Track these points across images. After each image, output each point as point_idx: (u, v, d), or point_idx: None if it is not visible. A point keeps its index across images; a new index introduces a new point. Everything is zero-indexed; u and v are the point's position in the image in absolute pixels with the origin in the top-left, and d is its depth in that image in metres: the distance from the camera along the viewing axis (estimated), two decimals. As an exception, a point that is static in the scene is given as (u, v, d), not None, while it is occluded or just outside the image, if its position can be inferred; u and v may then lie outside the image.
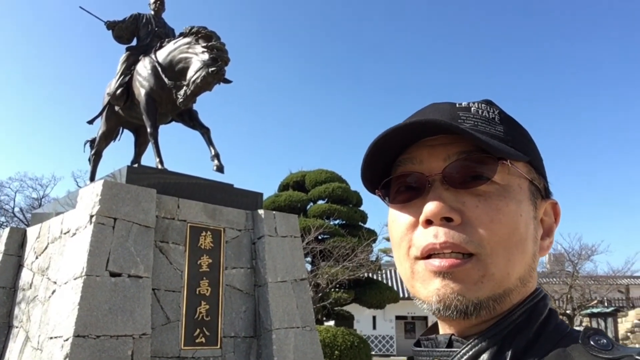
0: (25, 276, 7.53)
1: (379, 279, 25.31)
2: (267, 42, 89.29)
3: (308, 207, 23.09)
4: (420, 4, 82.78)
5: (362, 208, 23.90)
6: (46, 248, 7.17)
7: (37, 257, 7.37)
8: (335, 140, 74.33)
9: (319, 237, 19.88)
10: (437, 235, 0.67)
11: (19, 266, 7.87)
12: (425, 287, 0.69)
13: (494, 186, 0.69)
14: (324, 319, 21.33)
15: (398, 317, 31.22)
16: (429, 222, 0.68)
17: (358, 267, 19.03)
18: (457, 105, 0.76)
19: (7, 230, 8.23)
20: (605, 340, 0.63)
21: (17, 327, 7.16)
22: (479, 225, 0.66)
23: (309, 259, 19.52)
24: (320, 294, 18.25)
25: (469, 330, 0.71)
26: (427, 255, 0.68)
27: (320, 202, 23.16)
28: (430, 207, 0.67)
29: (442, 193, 0.69)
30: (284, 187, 24.71)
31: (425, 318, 31.37)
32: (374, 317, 30.29)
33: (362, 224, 23.35)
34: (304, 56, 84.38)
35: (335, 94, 77.83)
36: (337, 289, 20.13)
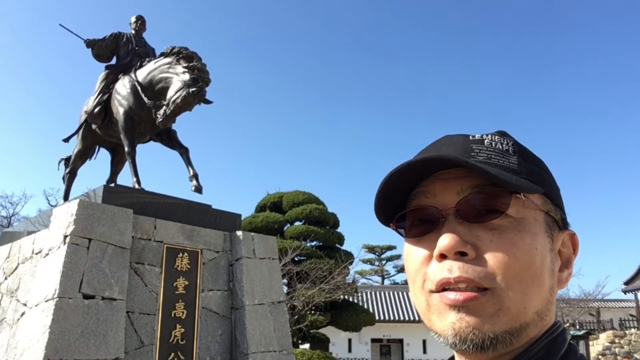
0: (-8, 298, 7.28)
1: (356, 301, 25.19)
2: (245, 63, 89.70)
3: (285, 228, 22.99)
4: (404, 23, 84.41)
5: (339, 230, 23.91)
6: (16, 268, 6.96)
7: (6, 278, 7.14)
8: (313, 161, 74.59)
9: (296, 259, 19.77)
10: (451, 269, 0.67)
11: (-14, 287, 7.61)
12: (441, 320, 0.69)
13: (508, 220, 0.68)
14: (300, 341, 21.08)
15: (374, 340, 31.04)
16: (443, 257, 0.68)
17: (335, 290, 18.93)
18: (471, 138, 0.76)
19: (-25, 249, 7.96)
20: None
21: (-18, 351, 6.88)
22: (494, 259, 0.66)
23: (285, 280, 19.34)
24: (296, 316, 18.06)
25: None
26: (442, 289, 0.68)
27: (297, 223, 23.10)
28: (444, 242, 0.67)
29: (456, 227, 0.68)
30: (261, 207, 24.58)
31: (400, 341, 31.27)
32: (350, 340, 30.06)
33: (339, 246, 23.32)
34: (283, 77, 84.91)
35: (314, 115, 78.33)
36: (313, 312, 19.96)
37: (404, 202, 0.77)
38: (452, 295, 0.67)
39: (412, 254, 0.74)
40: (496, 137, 0.76)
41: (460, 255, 0.67)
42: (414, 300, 0.75)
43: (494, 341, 0.66)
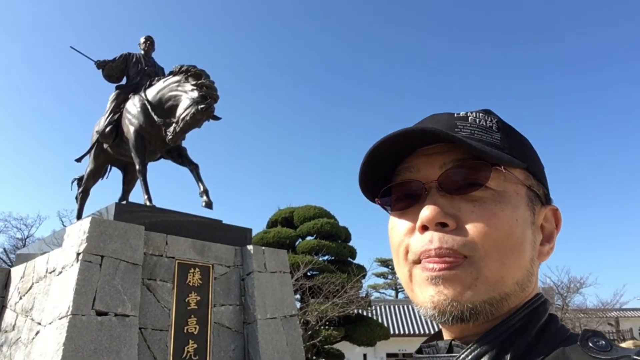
0: (8, 317, 7.35)
1: (369, 315, 24.99)
2: (252, 77, 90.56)
3: (297, 243, 22.95)
4: (412, 29, 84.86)
5: (351, 243, 23.82)
6: (31, 288, 7.04)
7: (20, 298, 7.21)
8: (324, 176, 74.67)
9: (308, 274, 19.69)
10: (432, 240, 0.68)
11: (2, 307, 7.69)
12: (421, 292, 0.70)
13: (489, 192, 0.70)
14: (314, 357, 20.91)
15: (389, 355, 30.67)
16: (424, 228, 0.70)
17: (348, 304, 18.80)
18: (455, 115, 0.78)
19: (-10, 270, 8.07)
20: (603, 342, 0.64)
21: (-2, 371, 6.94)
22: (474, 229, 0.67)
23: (297, 295, 19.27)
24: (309, 332, 17.95)
25: (469, 334, 0.71)
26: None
27: (308, 238, 23.04)
28: (425, 213, 0.69)
29: (437, 199, 0.70)
30: (272, 223, 24.59)
31: (416, 355, 30.84)
32: (365, 355, 29.72)
33: (351, 260, 23.21)
34: (292, 90, 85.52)
35: (324, 129, 78.64)
36: (326, 327, 19.81)
37: (389, 178, 0.79)
38: (430, 265, 0.68)
39: (395, 226, 0.76)
40: (480, 114, 0.78)
41: (441, 226, 0.69)
42: (398, 272, 0.77)
43: (474, 312, 0.67)
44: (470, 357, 0.67)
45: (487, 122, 0.77)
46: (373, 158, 0.75)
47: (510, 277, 0.68)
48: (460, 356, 0.68)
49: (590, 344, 0.63)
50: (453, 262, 0.67)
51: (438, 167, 0.73)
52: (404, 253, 0.73)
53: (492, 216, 0.68)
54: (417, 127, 0.71)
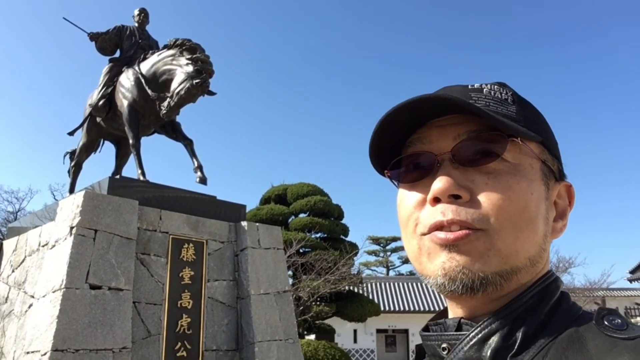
0: (0, 290, 7.36)
1: (361, 292, 25.28)
2: (249, 53, 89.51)
3: (290, 220, 23.05)
4: (410, 13, 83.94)
5: (343, 221, 23.96)
6: (23, 261, 7.03)
7: (13, 271, 7.21)
8: (318, 153, 74.57)
9: (301, 251, 19.83)
10: (444, 212, 0.67)
11: (-5, 280, 7.69)
12: (431, 261, 0.69)
13: (504, 164, 0.68)
14: (305, 332, 21.20)
15: (379, 331, 31.14)
16: (436, 200, 0.68)
17: (339, 280, 18.99)
18: (470, 87, 0.75)
19: (-18, 242, 8.04)
20: (619, 320, 0.62)
21: (-9, 342, 6.97)
22: (488, 202, 0.66)
23: (290, 272, 19.42)
24: (301, 307, 18.15)
25: (478, 311, 0.70)
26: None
27: (301, 215, 23.15)
28: (438, 185, 0.67)
29: (451, 171, 0.68)
30: (265, 200, 24.63)
31: (406, 331, 31.39)
32: (355, 331, 30.16)
33: (343, 237, 23.38)
34: (287, 67, 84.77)
35: (318, 106, 78.24)
36: (318, 303, 20.05)
37: (398, 151, 0.77)
38: (442, 235, 0.66)
39: (405, 199, 0.74)
40: (495, 86, 0.76)
41: (454, 198, 0.67)
42: (406, 245, 0.75)
43: (484, 282, 0.66)
44: (481, 334, 0.66)
45: (502, 94, 0.75)
46: (386, 127, 0.72)
47: (524, 252, 0.67)
48: (470, 334, 0.67)
49: (606, 323, 0.62)
50: (466, 231, 0.65)
51: (451, 139, 0.70)
52: (414, 226, 0.71)
53: (507, 189, 0.67)
54: (435, 94, 0.69)
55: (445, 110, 0.70)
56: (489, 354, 0.64)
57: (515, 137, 0.69)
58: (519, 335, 0.64)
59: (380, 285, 32.11)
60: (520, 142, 0.69)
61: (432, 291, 29.55)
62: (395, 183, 0.77)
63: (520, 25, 77.85)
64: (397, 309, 29.91)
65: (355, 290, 23.96)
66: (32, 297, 6.18)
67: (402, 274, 42.25)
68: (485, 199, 0.66)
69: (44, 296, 5.60)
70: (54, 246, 5.94)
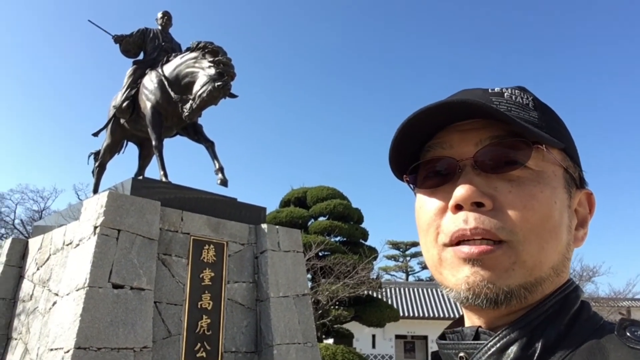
0: (25, 287, 7.49)
1: (380, 297, 25.13)
2: (271, 56, 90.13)
3: (309, 223, 23.05)
4: (436, 19, 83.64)
5: (363, 225, 23.86)
6: (48, 259, 7.15)
7: (38, 269, 7.34)
8: (337, 156, 74.56)
9: (320, 254, 19.81)
10: (467, 220, 0.65)
11: (20, 277, 7.84)
12: (453, 274, 0.67)
13: (527, 172, 0.67)
14: (323, 336, 21.14)
15: (398, 337, 30.91)
16: (458, 208, 0.66)
17: (358, 285, 18.92)
18: (490, 91, 0.74)
19: (8, 240, 8.21)
20: None
21: (16, 339, 7.10)
22: (512, 211, 0.64)
23: (309, 275, 19.42)
24: (320, 311, 18.12)
25: (498, 321, 0.68)
26: (457, 242, 0.66)
27: (321, 218, 23.12)
28: (461, 192, 0.65)
29: (473, 178, 0.66)
30: (285, 203, 24.69)
31: (425, 337, 31.08)
32: (374, 336, 29.99)
33: (363, 241, 23.27)
34: (309, 71, 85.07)
35: (339, 109, 78.30)
36: (337, 307, 19.99)
37: (418, 156, 0.75)
38: (466, 249, 0.65)
39: (425, 205, 0.72)
40: (516, 91, 0.74)
41: (476, 206, 0.65)
42: (425, 253, 0.73)
43: (509, 295, 0.64)
44: (499, 344, 0.64)
45: (524, 99, 0.73)
46: (407, 132, 0.71)
47: (548, 262, 0.66)
48: (488, 343, 0.65)
49: (628, 334, 0.60)
50: (491, 247, 0.64)
51: (473, 145, 0.69)
52: (435, 234, 0.69)
53: (531, 197, 0.65)
54: (459, 99, 0.67)
55: (467, 115, 0.69)
56: None
57: (540, 144, 0.67)
58: (539, 345, 0.63)
59: (400, 290, 31.90)
60: (544, 149, 0.67)
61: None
62: (413, 187, 0.76)
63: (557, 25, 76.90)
64: (416, 314, 29.66)
65: (374, 295, 23.81)
66: (56, 295, 6.28)
67: (422, 280, 41.89)
68: (509, 208, 0.64)
69: (67, 294, 5.68)
70: (78, 245, 6.03)
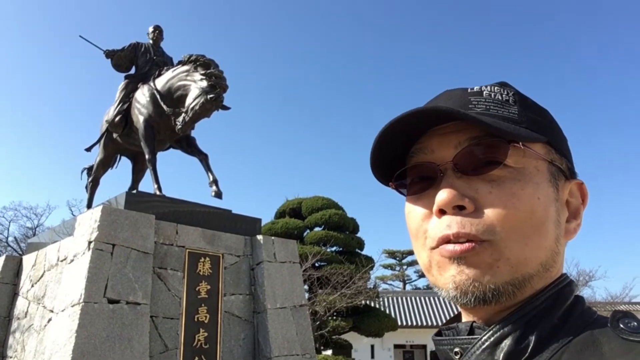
0: (20, 305, 7.42)
1: (377, 306, 25.05)
2: (264, 67, 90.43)
3: (305, 234, 23.01)
4: (419, 19, 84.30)
5: (359, 235, 23.84)
6: (42, 276, 7.09)
7: (32, 285, 7.28)
8: (332, 166, 74.65)
9: (316, 265, 19.76)
10: (450, 225, 0.66)
11: (14, 295, 7.76)
12: (441, 274, 0.68)
13: (507, 170, 0.67)
14: (322, 347, 21.01)
15: (397, 346, 30.75)
16: (442, 212, 0.67)
17: (356, 295, 18.86)
18: (469, 90, 0.74)
19: (2, 258, 8.15)
20: (635, 323, 0.60)
21: (11, 358, 7.01)
22: (493, 211, 0.65)
23: (306, 286, 19.33)
24: (317, 322, 18.03)
25: (492, 317, 0.69)
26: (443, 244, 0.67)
27: (316, 229, 23.08)
28: (442, 197, 0.66)
29: (454, 181, 0.67)
30: (280, 214, 24.64)
31: (424, 346, 30.95)
32: (372, 346, 29.81)
33: (359, 251, 23.24)
34: (300, 80, 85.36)
35: (332, 119, 78.54)
36: (334, 317, 19.91)
37: (403, 161, 0.76)
38: (450, 247, 0.66)
39: (412, 211, 0.73)
40: (496, 87, 0.74)
41: (458, 209, 0.66)
42: (417, 257, 0.74)
43: (496, 293, 0.65)
44: (492, 338, 0.65)
45: (503, 95, 0.73)
46: (384, 140, 0.72)
47: (535, 258, 0.66)
48: (482, 337, 0.66)
49: (622, 325, 0.60)
50: (472, 244, 0.64)
51: (453, 147, 0.69)
52: (423, 239, 0.70)
53: (511, 196, 0.65)
54: (427, 107, 0.68)
55: (444, 118, 0.69)
56: (501, 357, 0.63)
57: (517, 141, 0.67)
58: (532, 338, 0.63)
59: (397, 299, 31.80)
60: (522, 146, 0.67)
61: (450, 306, 29.20)
62: (403, 192, 0.76)
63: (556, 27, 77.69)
64: (414, 323, 29.55)
65: (372, 304, 23.74)
66: (51, 311, 6.22)
67: (419, 288, 41.79)
68: (490, 208, 0.65)
69: (62, 310, 5.63)
70: (72, 260, 5.99)
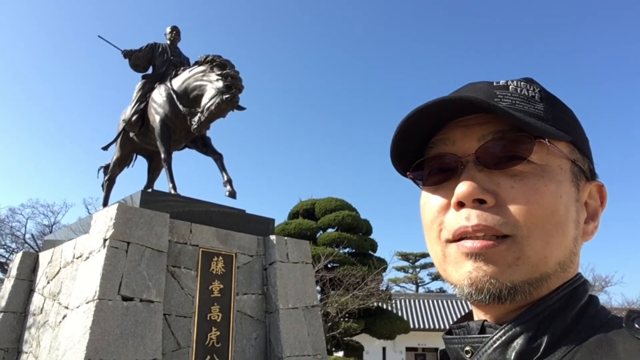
0: (36, 301, 7.53)
1: (390, 308, 24.95)
2: (280, 68, 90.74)
3: (318, 235, 23.00)
4: (433, 21, 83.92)
5: (372, 236, 23.77)
6: (58, 272, 7.19)
7: (48, 282, 7.38)
8: (345, 168, 74.57)
9: (329, 266, 19.74)
10: (469, 217, 0.64)
11: (30, 291, 7.88)
12: (456, 270, 0.66)
13: (531, 166, 0.66)
14: (333, 349, 20.98)
15: (408, 349, 30.62)
16: (460, 205, 0.66)
17: (368, 296, 18.80)
18: (495, 84, 0.73)
19: (19, 254, 8.27)
20: None
21: (26, 353, 7.12)
22: (515, 206, 0.63)
23: (318, 287, 19.33)
24: (329, 324, 18.01)
25: (504, 316, 0.67)
26: (459, 238, 0.66)
27: (330, 230, 23.07)
28: (462, 189, 0.65)
29: (475, 174, 0.66)
30: (293, 214, 24.67)
31: (436, 349, 30.73)
32: (384, 349, 29.73)
33: (372, 253, 23.17)
34: (315, 83, 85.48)
35: (346, 121, 78.50)
36: (346, 319, 19.85)
37: (422, 151, 0.75)
38: (469, 244, 0.64)
39: (428, 202, 0.72)
40: (522, 83, 0.73)
41: (478, 202, 0.65)
42: (430, 251, 0.73)
43: (512, 291, 0.64)
44: (504, 337, 0.64)
45: (530, 91, 0.72)
46: (406, 130, 0.71)
47: (554, 258, 0.65)
48: (494, 336, 0.65)
49: (637, 326, 0.59)
50: (493, 242, 0.63)
51: (476, 140, 0.68)
52: (438, 231, 0.69)
53: (534, 192, 0.64)
54: (454, 96, 0.67)
55: (469, 110, 0.68)
56: (513, 356, 0.62)
57: (543, 138, 0.66)
58: (545, 338, 0.62)
59: (410, 302, 31.65)
60: (548, 143, 0.66)
61: (463, 310, 28.99)
62: (419, 183, 0.75)
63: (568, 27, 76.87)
64: (427, 326, 29.40)
65: (384, 306, 23.65)
66: (66, 308, 6.30)
67: (432, 291, 41.54)
68: (512, 203, 0.64)
69: (77, 307, 5.70)
70: (87, 258, 6.06)
